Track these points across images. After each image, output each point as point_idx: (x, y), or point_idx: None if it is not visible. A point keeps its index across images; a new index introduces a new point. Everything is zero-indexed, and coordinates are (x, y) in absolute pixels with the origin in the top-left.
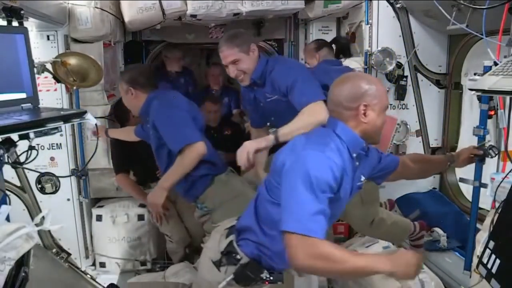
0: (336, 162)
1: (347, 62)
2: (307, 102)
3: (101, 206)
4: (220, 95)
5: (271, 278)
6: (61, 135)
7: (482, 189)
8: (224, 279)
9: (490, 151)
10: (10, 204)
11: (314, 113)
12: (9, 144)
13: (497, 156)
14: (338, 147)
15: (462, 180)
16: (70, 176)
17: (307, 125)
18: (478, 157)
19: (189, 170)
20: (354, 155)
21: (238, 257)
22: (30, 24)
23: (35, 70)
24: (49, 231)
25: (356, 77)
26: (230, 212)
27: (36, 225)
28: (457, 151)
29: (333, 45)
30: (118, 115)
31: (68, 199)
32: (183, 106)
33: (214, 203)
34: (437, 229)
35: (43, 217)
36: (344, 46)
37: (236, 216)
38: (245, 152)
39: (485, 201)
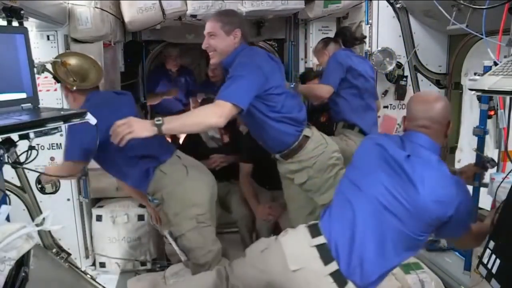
0: None
1: None
2: (217, 98)
3: (101, 206)
4: (219, 88)
5: None
6: (61, 135)
7: (482, 189)
8: None
9: (488, 164)
10: (10, 204)
11: (207, 114)
12: (9, 144)
13: (497, 156)
14: None
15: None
16: None
17: (195, 124)
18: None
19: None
20: None
21: None
22: (30, 24)
23: (35, 70)
24: (49, 231)
25: (439, 96)
26: (178, 200)
27: (37, 225)
28: (461, 167)
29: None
30: None
31: (68, 199)
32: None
33: (161, 195)
34: None
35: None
36: (350, 35)
37: (185, 202)
38: (123, 132)
39: (485, 201)
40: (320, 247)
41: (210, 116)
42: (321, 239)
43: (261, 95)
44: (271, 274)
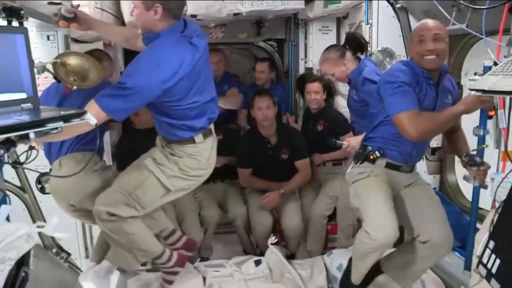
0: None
1: None
2: (96, 99)
3: None
4: (219, 83)
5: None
6: None
7: (482, 189)
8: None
9: (465, 158)
10: (10, 204)
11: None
12: (9, 144)
13: (497, 156)
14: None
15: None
16: (69, 176)
17: (68, 134)
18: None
19: None
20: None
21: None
22: (30, 24)
23: (35, 70)
24: None
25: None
26: None
27: (38, 227)
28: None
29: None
30: None
31: None
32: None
33: None
34: None
35: (45, 221)
36: (363, 42)
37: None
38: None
39: (485, 201)
40: None
41: (79, 126)
42: None
43: (155, 103)
44: None
